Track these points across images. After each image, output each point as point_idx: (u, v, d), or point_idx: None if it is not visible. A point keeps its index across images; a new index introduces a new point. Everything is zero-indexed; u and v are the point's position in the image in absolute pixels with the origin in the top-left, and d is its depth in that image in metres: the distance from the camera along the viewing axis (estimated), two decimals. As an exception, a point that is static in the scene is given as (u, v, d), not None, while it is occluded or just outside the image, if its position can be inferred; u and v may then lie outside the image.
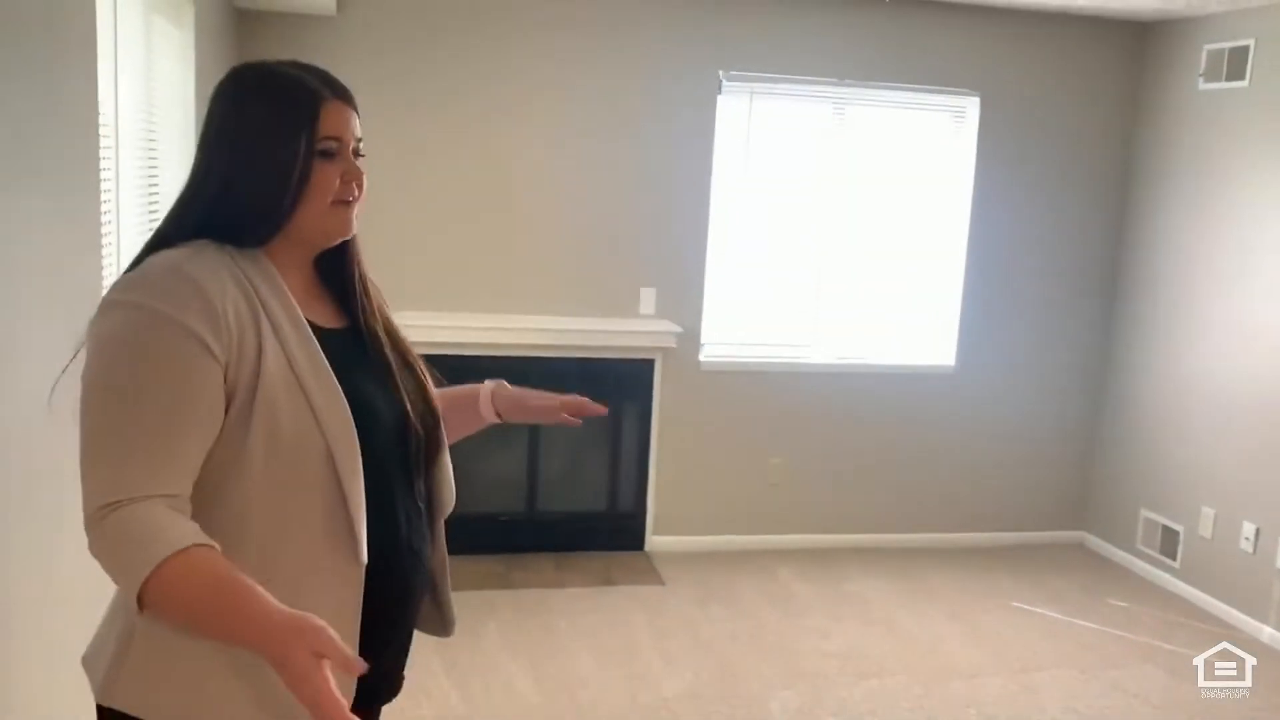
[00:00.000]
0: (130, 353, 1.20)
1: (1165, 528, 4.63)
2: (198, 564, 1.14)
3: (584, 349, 4.47)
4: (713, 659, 3.69)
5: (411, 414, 1.43)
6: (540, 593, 4.18)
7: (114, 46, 2.39)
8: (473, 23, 4.29)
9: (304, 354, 1.30)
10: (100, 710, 1.29)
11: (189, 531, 1.16)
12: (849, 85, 4.64)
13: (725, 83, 4.53)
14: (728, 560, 4.66)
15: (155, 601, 1.14)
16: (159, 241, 1.31)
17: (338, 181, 1.33)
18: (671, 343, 4.55)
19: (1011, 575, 4.66)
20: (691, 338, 4.63)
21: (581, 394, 1.65)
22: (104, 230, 2.26)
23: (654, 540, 4.73)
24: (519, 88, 4.37)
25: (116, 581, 1.20)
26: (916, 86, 4.70)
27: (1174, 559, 4.57)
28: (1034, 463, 5.08)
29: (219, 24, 3.71)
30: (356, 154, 1.37)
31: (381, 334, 1.45)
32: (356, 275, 1.45)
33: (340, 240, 1.40)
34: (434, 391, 1.51)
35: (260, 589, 1.13)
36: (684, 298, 4.62)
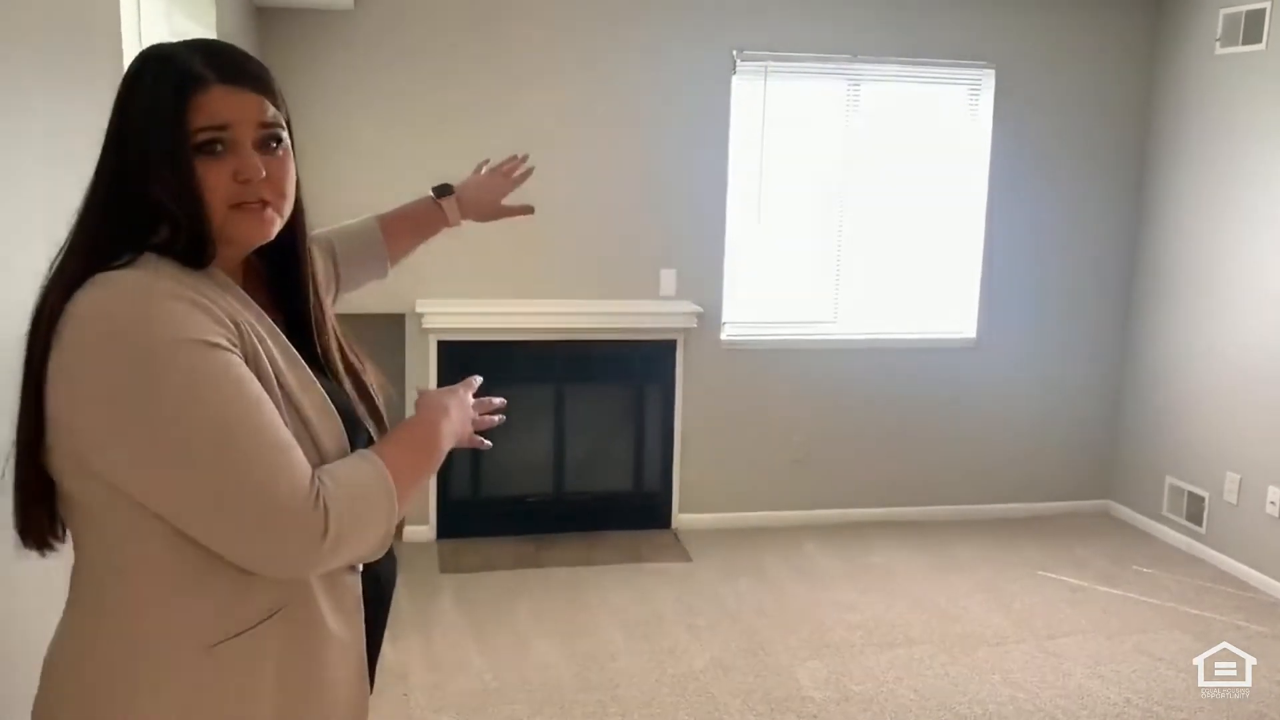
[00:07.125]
0: (200, 387, 1.05)
1: (1191, 494, 4.63)
2: (391, 461, 1.19)
3: (606, 331, 4.52)
4: (740, 632, 3.75)
5: (365, 413, 1.34)
6: (570, 571, 4.26)
7: (139, 47, 2.46)
8: (489, 12, 4.34)
9: (288, 364, 1.18)
10: None
11: (353, 457, 1.18)
12: (863, 61, 4.65)
13: (739, 62, 4.55)
14: (753, 536, 4.71)
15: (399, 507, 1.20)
16: (74, 259, 1.12)
17: (230, 181, 1.11)
18: (693, 323, 4.60)
19: (1037, 545, 4.68)
20: (712, 317, 4.67)
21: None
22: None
23: (680, 518, 4.79)
24: (537, 74, 4.41)
25: (368, 530, 1.15)
26: (931, 61, 4.70)
27: (1200, 525, 4.57)
28: (1058, 432, 5.09)
29: (239, 21, 3.78)
30: (266, 144, 1.14)
31: (333, 335, 1.33)
32: (307, 278, 1.28)
33: (256, 246, 1.19)
34: (376, 384, 1.40)
35: (402, 431, 1.28)
36: (704, 277, 4.66)
